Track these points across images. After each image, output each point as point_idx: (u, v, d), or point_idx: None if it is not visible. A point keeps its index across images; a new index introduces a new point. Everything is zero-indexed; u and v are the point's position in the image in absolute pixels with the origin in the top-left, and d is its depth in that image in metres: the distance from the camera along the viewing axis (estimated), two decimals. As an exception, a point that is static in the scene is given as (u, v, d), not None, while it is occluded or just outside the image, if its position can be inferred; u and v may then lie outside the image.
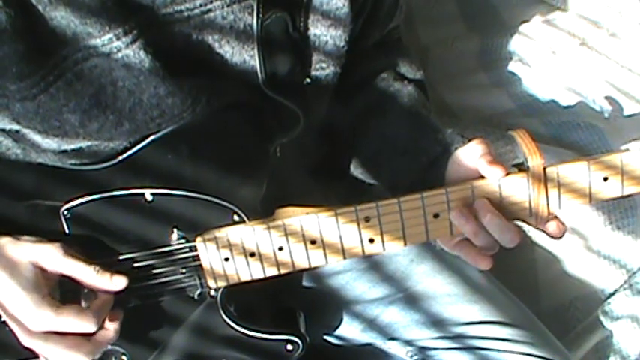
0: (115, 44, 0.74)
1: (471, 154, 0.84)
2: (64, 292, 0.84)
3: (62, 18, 0.73)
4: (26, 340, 0.81)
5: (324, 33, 0.87)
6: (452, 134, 0.89)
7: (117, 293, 0.84)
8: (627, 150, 0.79)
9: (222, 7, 0.79)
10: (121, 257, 0.86)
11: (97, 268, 0.82)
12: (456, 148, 0.87)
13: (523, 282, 1.20)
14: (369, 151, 0.97)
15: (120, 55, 0.75)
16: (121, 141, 0.82)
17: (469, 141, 0.87)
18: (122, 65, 0.75)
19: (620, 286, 1.20)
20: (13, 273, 0.79)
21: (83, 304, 0.84)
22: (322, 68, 0.90)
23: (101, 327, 0.83)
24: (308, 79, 0.90)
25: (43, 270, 0.81)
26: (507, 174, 0.80)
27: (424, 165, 0.90)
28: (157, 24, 0.77)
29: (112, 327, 0.85)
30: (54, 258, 0.81)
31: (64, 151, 0.82)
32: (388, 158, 0.95)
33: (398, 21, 1.04)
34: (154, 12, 0.77)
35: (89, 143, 0.82)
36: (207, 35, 0.80)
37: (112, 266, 0.85)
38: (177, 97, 0.78)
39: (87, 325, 0.81)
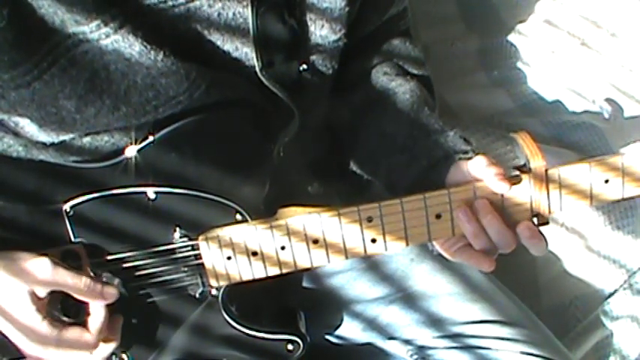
0: (103, 30, 0.75)
1: (476, 166, 0.83)
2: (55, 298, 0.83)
3: (49, 6, 0.73)
4: (30, 355, 0.82)
5: (320, 17, 0.87)
6: (454, 137, 0.89)
7: (109, 305, 0.85)
8: (628, 152, 0.80)
9: None
10: (122, 255, 0.86)
11: (87, 281, 0.82)
12: (460, 159, 0.86)
13: (523, 282, 1.20)
14: (368, 147, 0.96)
15: (109, 40, 0.75)
16: (121, 135, 0.82)
17: (468, 146, 0.86)
18: (113, 50, 0.76)
19: (620, 286, 1.20)
20: (7, 305, 0.79)
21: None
22: (319, 52, 0.90)
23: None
24: (305, 66, 0.89)
25: (35, 295, 0.80)
26: (512, 182, 0.80)
27: (424, 167, 0.89)
28: (141, 12, 0.77)
29: (112, 337, 0.86)
30: (44, 277, 0.80)
31: (65, 145, 0.82)
32: (386, 155, 0.94)
33: (400, 6, 1.01)
34: (137, 1, 0.77)
35: (89, 139, 0.82)
36: (195, 23, 0.80)
37: (112, 265, 0.85)
38: (171, 79, 0.78)
39: (87, 346, 0.83)
